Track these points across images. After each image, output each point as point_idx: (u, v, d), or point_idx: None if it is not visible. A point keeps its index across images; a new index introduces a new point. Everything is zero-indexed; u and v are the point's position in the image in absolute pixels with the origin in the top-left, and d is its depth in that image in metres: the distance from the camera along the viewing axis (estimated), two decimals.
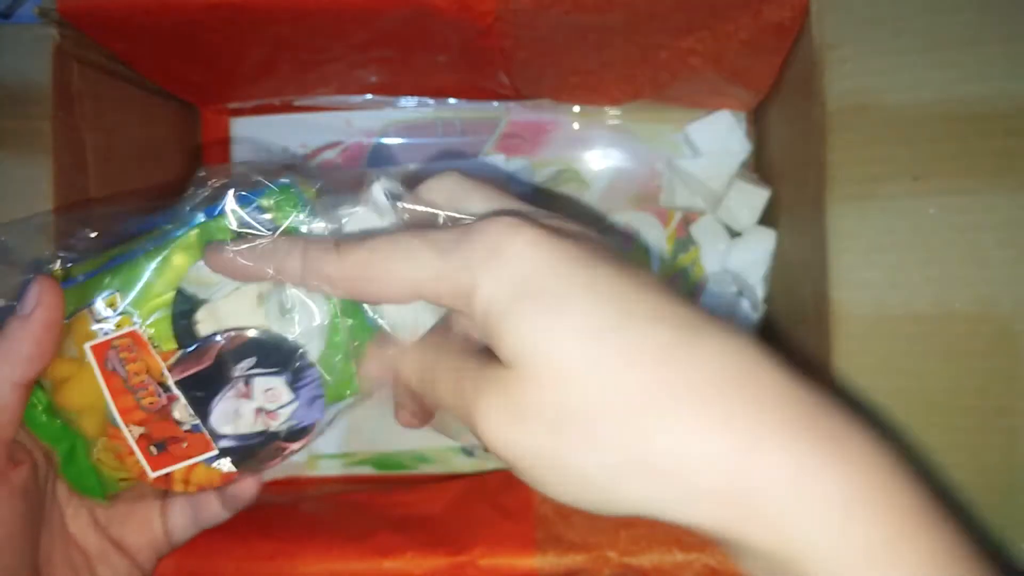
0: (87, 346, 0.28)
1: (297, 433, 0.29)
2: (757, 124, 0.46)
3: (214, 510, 0.32)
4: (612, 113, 0.47)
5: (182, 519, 0.32)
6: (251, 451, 0.29)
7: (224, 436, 0.29)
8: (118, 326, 0.28)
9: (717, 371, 0.20)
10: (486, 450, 0.22)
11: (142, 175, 0.43)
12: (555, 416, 0.20)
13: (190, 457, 0.29)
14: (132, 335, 0.28)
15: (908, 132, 0.30)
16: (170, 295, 0.28)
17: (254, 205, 0.27)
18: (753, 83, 0.40)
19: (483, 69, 0.41)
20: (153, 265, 0.28)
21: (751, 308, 0.43)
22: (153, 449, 0.29)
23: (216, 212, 0.28)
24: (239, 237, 0.27)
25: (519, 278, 0.21)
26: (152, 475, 0.29)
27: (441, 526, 0.37)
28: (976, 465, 0.29)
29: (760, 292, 0.42)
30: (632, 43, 0.37)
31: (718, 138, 0.45)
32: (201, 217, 0.28)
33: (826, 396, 0.20)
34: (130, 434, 0.28)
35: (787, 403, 0.20)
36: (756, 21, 0.34)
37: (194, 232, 0.28)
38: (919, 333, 0.30)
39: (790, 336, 0.40)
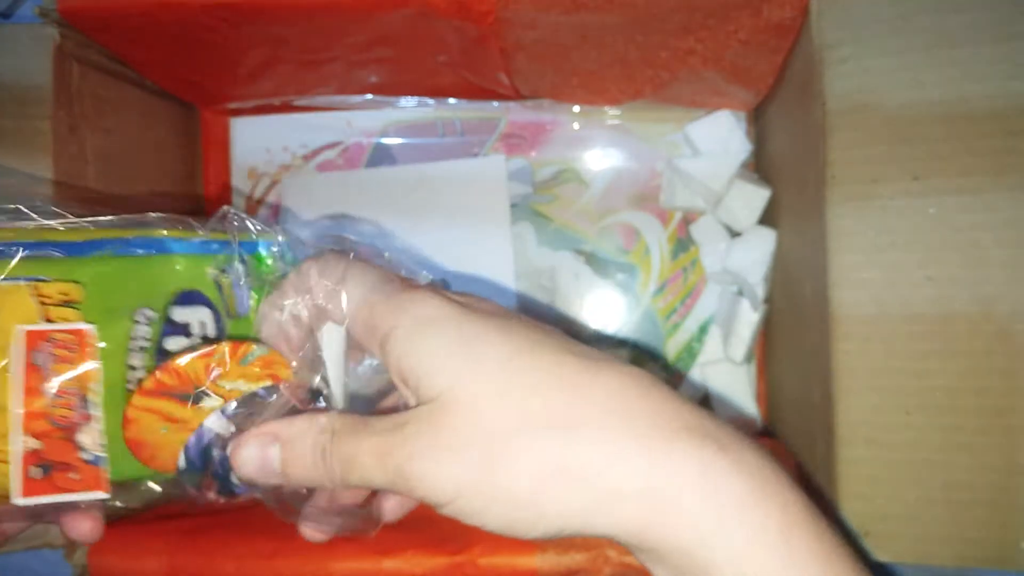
0: (21, 328, 0.23)
1: None
2: (757, 124, 0.46)
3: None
4: (612, 113, 0.47)
5: None
6: None
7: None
8: (63, 318, 0.24)
9: (618, 392, 0.22)
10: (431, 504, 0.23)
11: (142, 175, 0.43)
12: (481, 440, 0.22)
13: (72, 492, 0.24)
14: (78, 334, 0.24)
15: (908, 132, 0.30)
16: (150, 312, 0.26)
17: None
18: (753, 83, 0.40)
19: (483, 69, 0.41)
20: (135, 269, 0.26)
21: (751, 308, 0.43)
22: (36, 471, 0.24)
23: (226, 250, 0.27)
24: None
25: (433, 318, 0.23)
26: (18, 501, 0.24)
27: (441, 525, 0.37)
28: (976, 465, 0.29)
29: (760, 292, 0.42)
30: (632, 43, 0.37)
31: (718, 138, 0.45)
32: (215, 247, 0.27)
33: (714, 416, 0.23)
34: (21, 444, 0.24)
35: (683, 419, 0.22)
36: (756, 21, 0.34)
37: (190, 257, 0.27)
38: (919, 333, 0.30)
39: (790, 336, 0.40)
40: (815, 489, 0.34)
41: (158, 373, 0.25)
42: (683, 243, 0.47)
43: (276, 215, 0.49)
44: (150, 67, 0.42)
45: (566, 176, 0.48)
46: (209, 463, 0.27)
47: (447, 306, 0.24)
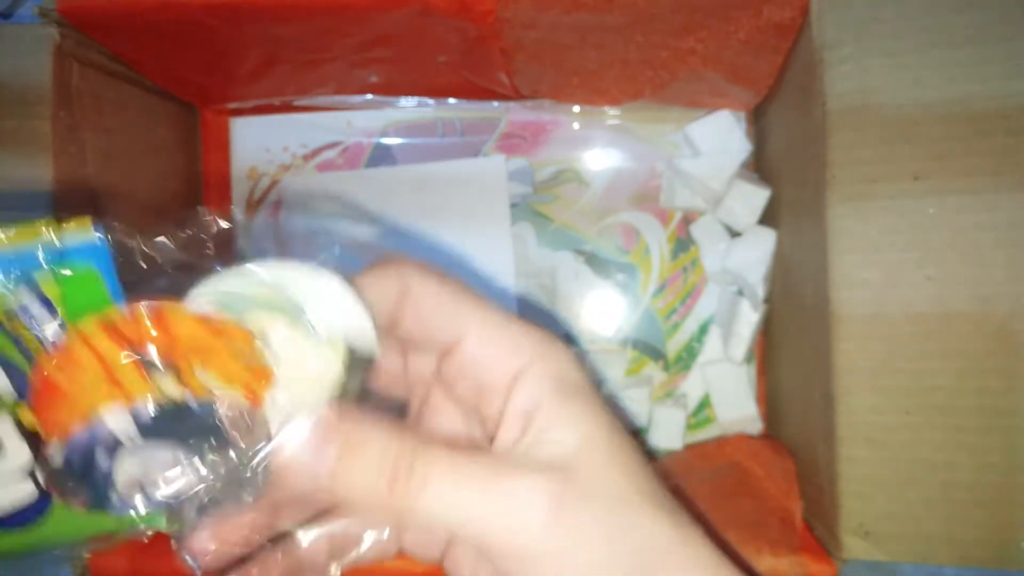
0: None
1: None
2: (757, 124, 0.46)
3: None
4: (612, 113, 0.47)
5: None
6: None
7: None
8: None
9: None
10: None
11: (142, 175, 0.43)
12: (601, 505, 0.21)
13: None
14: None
15: (908, 132, 0.30)
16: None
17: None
18: (753, 83, 0.40)
19: (483, 69, 0.41)
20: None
21: (751, 308, 0.43)
22: None
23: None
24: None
25: (577, 379, 0.23)
26: None
27: None
28: (976, 465, 0.29)
29: (760, 292, 0.42)
30: (632, 43, 0.37)
31: (718, 138, 0.45)
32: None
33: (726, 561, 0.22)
34: None
35: None
36: (756, 21, 0.34)
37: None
38: (919, 333, 0.30)
39: (790, 336, 0.40)
40: (815, 489, 0.34)
41: (143, 304, 0.21)
42: (683, 243, 0.47)
43: (276, 215, 0.49)
44: (150, 67, 0.42)
45: (566, 176, 0.48)
46: (91, 470, 0.21)
47: (584, 372, 0.23)
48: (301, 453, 0.21)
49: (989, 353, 0.29)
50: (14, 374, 0.22)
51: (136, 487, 0.21)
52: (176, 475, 0.21)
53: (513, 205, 0.47)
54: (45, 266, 0.21)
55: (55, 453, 0.21)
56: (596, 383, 0.24)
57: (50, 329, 0.21)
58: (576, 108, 0.47)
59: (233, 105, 0.48)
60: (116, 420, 0.21)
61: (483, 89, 0.44)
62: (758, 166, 0.46)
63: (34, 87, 0.35)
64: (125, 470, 0.21)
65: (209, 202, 0.50)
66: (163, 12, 0.34)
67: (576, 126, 0.48)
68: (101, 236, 0.22)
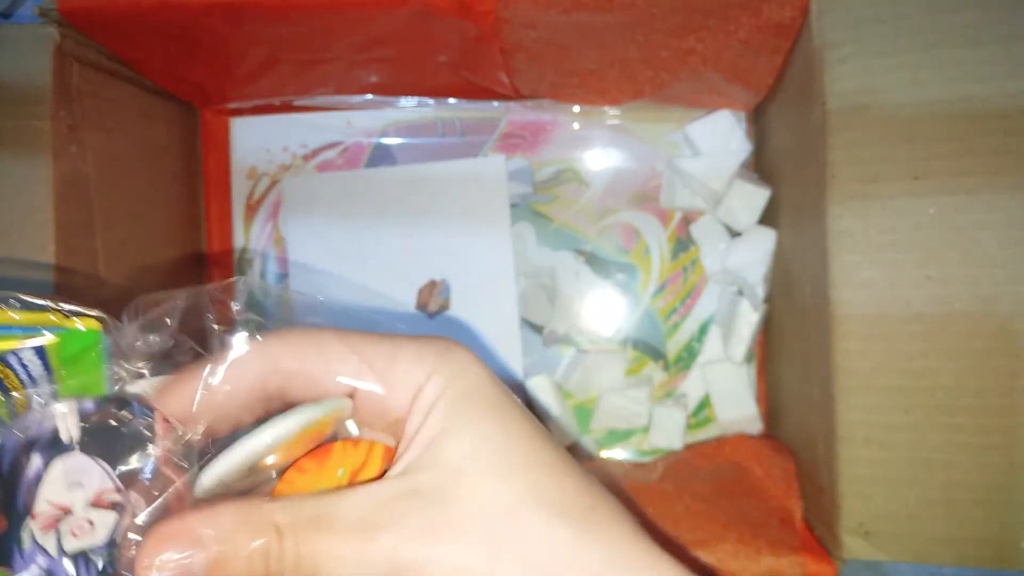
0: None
1: None
2: (757, 124, 0.46)
3: None
4: (612, 113, 0.47)
5: None
6: None
7: None
8: None
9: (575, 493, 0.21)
10: None
11: (142, 175, 0.43)
12: (488, 518, 0.20)
13: None
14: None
15: (908, 132, 0.30)
16: None
17: None
18: (753, 83, 0.40)
19: (483, 69, 0.41)
20: None
21: (751, 308, 0.43)
22: None
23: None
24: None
25: (474, 382, 0.22)
26: None
27: None
28: (976, 465, 0.29)
29: (760, 292, 0.42)
30: (632, 43, 0.37)
31: (718, 138, 0.45)
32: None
33: (647, 558, 0.22)
34: None
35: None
36: (756, 21, 0.34)
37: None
38: (919, 333, 0.30)
39: (790, 336, 0.40)
40: (815, 489, 0.34)
41: None
42: (683, 243, 0.47)
43: (276, 215, 0.49)
44: (150, 67, 0.42)
45: (566, 176, 0.48)
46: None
47: (486, 373, 0.23)
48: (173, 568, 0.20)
49: (989, 353, 0.29)
50: None
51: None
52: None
53: (513, 205, 0.47)
54: (53, 336, 0.22)
55: None
56: (501, 383, 0.23)
57: (44, 391, 0.22)
58: (576, 108, 0.47)
59: (233, 105, 0.48)
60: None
61: (483, 89, 0.44)
62: (758, 166, 0.46)
63: (34, 87, 0.35)
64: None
65: (209, 202, 0.50)
66: (163, 12, 0.34)
67: (576, 126, 0.48)
68: (105, 334, 0.22)
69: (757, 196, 0.43)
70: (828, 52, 0.31)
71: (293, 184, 0.49)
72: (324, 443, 0.23)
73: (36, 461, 0.21)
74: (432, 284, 0.47)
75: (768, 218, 0.43)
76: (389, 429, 0.23)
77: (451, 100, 0.48)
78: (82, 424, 0.21)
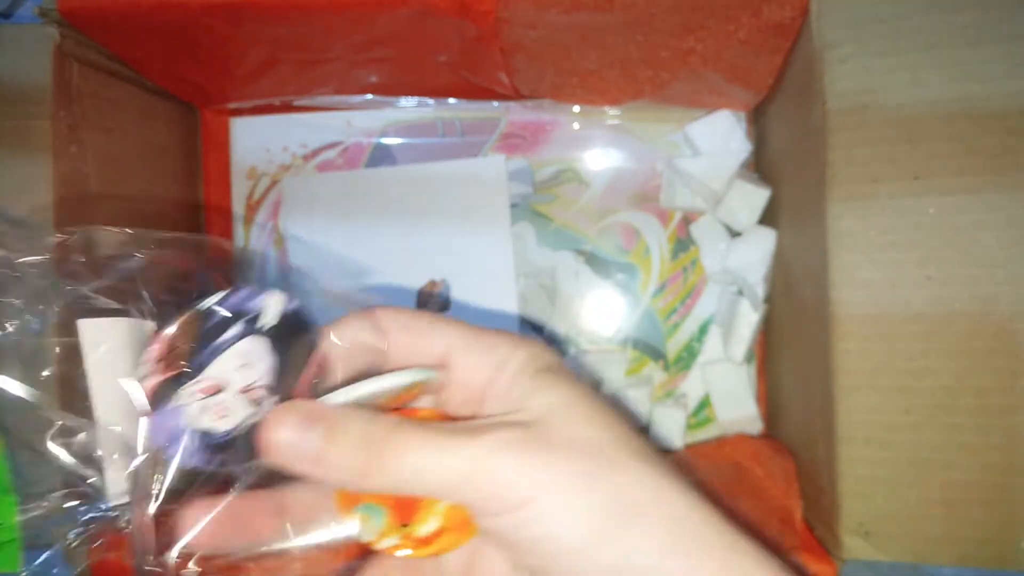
0: None
1: None
2: (757, 124, 0.46)
3: None
4: (612, 113, 0.47)
5: None
6: None
7: None
8: None
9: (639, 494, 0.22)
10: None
11: (142, 175, 0.43)
12: (581, 451, 0.22)
13: None
14: None
15: (908, 132, 0.30)
16: None
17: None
18: (753, 83, 0.40)
19: (483, 69, 0.41)
20: None
21: (751, 308, 0.43)
22: None
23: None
24: None
25: (550, 359, 0.25)
26: None
27: None
28: (976, 465, 0.29)
29: (760, 292, 0.42)
30: (632, 43, 0.37)
31: (718, 138, 0.45)
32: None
33: (717, 512, 0.23)
34: None
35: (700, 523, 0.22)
36: (756, 21, 0.34)
37: None
38: (919, 333, 0.30)
39: (790, 336, 0.40)
40: (815, 489, 0.34)
41: None
42: (683, 243, 0.47)
43: (276, 215, 0.49)
44: (150, 67, 0.42)
45: (566, 176, 0.48)
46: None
47: (558, 356, 0.25)
48: (293, 445, 0.22)
49: (989, 353, 0.29)
50: None
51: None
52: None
53: (513, 205, 0.47)
54: None
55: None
56: (572, 369, 0.25)
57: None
58: (576, 108, 0.47)
59: (233, 105, 0.48)
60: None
61: (483, 89, 0.44)
62: (758, 166, 0.46)
63: (34, 87, 0.35)
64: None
65: (209, 202, 0.50)
66: (163, 12, 0.34)
67: (576, 126, 0.48)
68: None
69: (757, 196, 0.43)
70: (828, 52, 0.31)
71: (293, 184, 0.49)
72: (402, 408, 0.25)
73: (231, 332, 0.23)
74: (432, 284, 0.47)
75: (768, 218, 0.43)
76: (469, 402, 0.25)
77: (451, 100, 0.48)
78: (279, 318, 0.23)
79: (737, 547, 0.22)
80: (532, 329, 0.47)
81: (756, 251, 0.43)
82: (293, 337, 0.23)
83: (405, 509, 0.23)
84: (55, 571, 0.26)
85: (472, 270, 0.47)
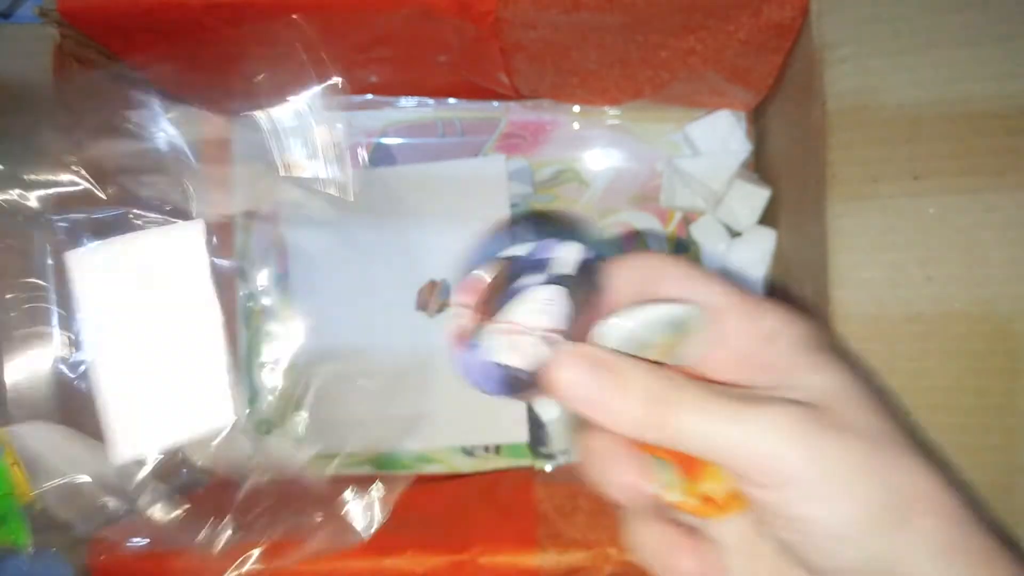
0: None
1: None
2: (757, 124, 0.46)
3: None
4: (612, 113, 0.47)
5: None
6: None
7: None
8: None
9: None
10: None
11: None
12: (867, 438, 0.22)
13: None
14: None
15: (908, 132, 0.30)
16: None
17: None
18: (753, 83, 0.40)
19: (483, 69, 0.41)
20: None
21: None
22: None
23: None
24: None
25: (818, 336, 0.25)
26: None
27: (441, 524, 0.37)
28: (976, 465, 0.29)
29: (760, 292, 0.42)
30: (632, 43, 0.37)
31: (718, 138, 0.45)
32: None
33: (978, 514, 0.23)
34: None
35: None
36: (756, 21, 0.34)
37: None
38: (919, 333, 0.30)
39: None
40: None
41: None
42: (683, 243, 0.47)
43: (276, 215, 0.49)
44: (150, 67, 0.42)
45: (566, 176, 0.48)
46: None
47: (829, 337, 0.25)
48: (583, 387, 0.23)
49: (989, 353, 0.29)
50: None
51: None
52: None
53: (513, 205, 0.47)
54: None
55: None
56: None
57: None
58: (576, 108, 0.47)
59: (233, 105, 0.48)
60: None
61: (483, 89, 0.44)
62: (758, 166, 0.46)
63: (34, 87, 0.35)
64: None
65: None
66: (163, 12, 0.34)
67: (576, 126, 0.48)
68: None
69: (757, 196, 0.43)
70: (828, 52, 0.31)
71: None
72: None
73: (531, 280, 0.24)
74: (432, 284, 0.47)
75: (768, 218, 0.43)
76: (729, 367, 0.24)
77: (451, 100, 0.48)
78: (577, 267, 0.25)
79: (1001, 553, 0.22)
80: None
81: (756, 251, 0.43)
82: (587, 285, 0.25)
83: (691, 467, 0.24)
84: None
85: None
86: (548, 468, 0.45)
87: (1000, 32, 0.30)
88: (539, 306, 0.24)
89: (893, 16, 0.31)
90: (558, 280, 0.24)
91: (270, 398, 0.47)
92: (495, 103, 0.48)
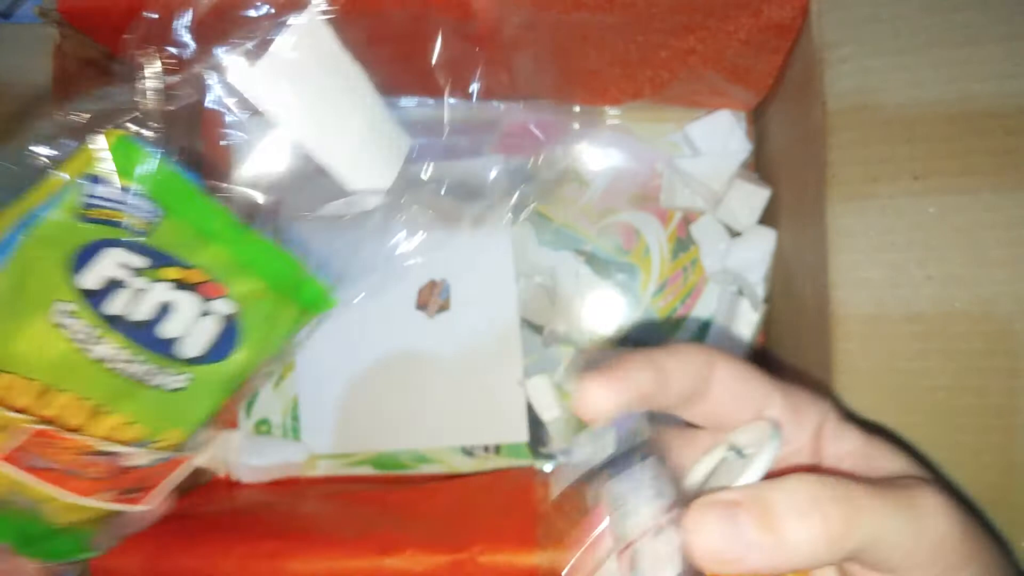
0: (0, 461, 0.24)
1: None
2: (757, 124, 0.46)
3: None
4: (612, 113, 0.47)
5: None
6: None
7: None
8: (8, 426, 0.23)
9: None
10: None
11: None
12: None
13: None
14: (42, 435, 0.24)
15: (908, 132, 0.30)
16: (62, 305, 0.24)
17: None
18: (753, 83, 0.40)
19: (483, 69, 0.41)
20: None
21: (751, 308, 0.43)
22: (131, 494, 0.27)
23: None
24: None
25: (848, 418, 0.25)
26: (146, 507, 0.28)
27: (441, 523, 0.37)
28: (976, 465, 0.29)
29: (760, 292, 0.42)
30: (632, 43, 0.37)
31: (718, 138, 0.45)
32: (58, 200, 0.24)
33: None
34: (104, 503, 0.27)
35: None
36: (756, 21, 0.34)
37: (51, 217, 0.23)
38: (919, 333, 0.30)
39: (790, 336, 0.40)
40: None
41: None
42: (683, 243, 0.47)
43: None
44: None
45: (566, 176, 0.48)
46: None
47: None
48: (724, 536, 0.20)
49: (989, 353, 0.29)
50: (134, 247, 0.24)
51: None
52: None
53: (513, 205, 0.47)
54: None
55: None
56: None
57: (145, 207, 0.24)
58: (576, 108, 0.47)
59: None
60: None
61: (483, 89, 0.44)
62: (758, 166, 0.46)
63: (34, 87, 0.35)
64: None
65: None
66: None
67: (576, 126, 0.48)
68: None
69: (757, 196, 0.43)
70: (828, 52, 0.31)
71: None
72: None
73: (624, 467, 0.22)
74: (432, 284, 0.47)
75: (768, 218, 0.43)
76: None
77: (451, 100, 0.48)
78: (643, 426, 0.23)
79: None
80: (532, 329, 0.47)
81: (756, 251, 0.43)
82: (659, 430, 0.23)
83: None
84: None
85: (472, 270, 0.47)
86: (548, 468, 0.45)
87: (1000, 32, 0.30)
88: (649, 488, 0.21)
89: (893, 16, 0.31)
90: (642, 450, 0.22)
91: (269, 398, 0.47)
92: (495, 103, 0.48)
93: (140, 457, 0.27)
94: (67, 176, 0.24)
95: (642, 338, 0.47)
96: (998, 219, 0.29)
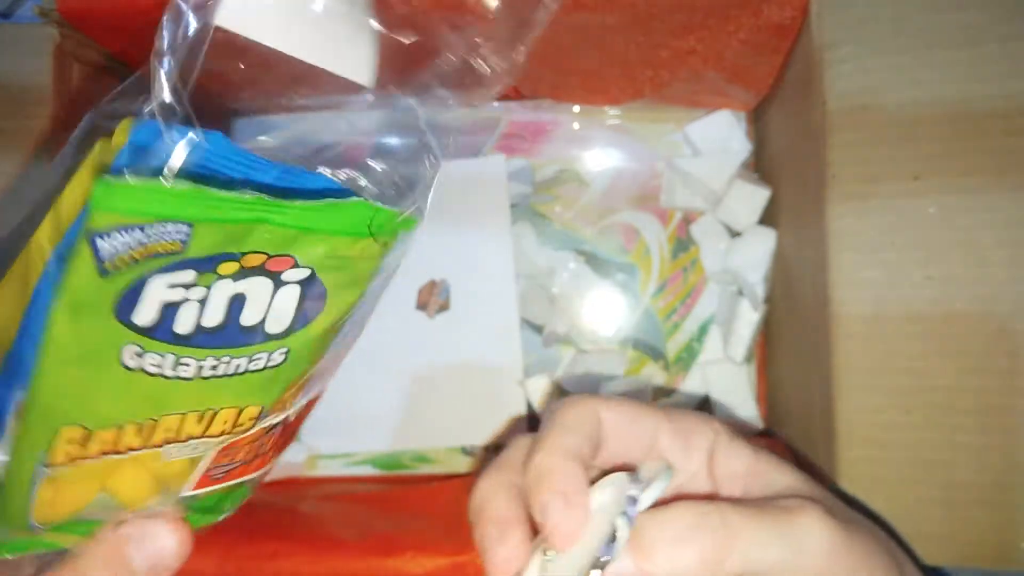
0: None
1: None
2: (757, 124, 0.46)
3: None
4: (612, 113, 0.47)
5: None
6: None
7: None
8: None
9: None
10: None
11: None
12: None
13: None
14: (226, 449, 0.27)
15: (908, 132, 0.30)
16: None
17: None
18: (753, 83, 0.40)
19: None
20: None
21: (751, 308, 0.43)
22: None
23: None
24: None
25: (740, 437, 0.26)
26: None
27: (442, 525, 0.37)
28: (976, 465, 0.29)
29: (760, 292, 0.42)
30: (632, 43, 0.37)
31: (718, 138, 0.45)
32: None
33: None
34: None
35: None
36: (756, 21, 0.34)
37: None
38: (919, 333, 0.30)
39: (790, 336, 0.40)
40: None
41: None
42: (683, 243, 0.47)
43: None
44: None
45: (566, 176, 0.48)
46: None
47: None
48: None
49: (989, 353, 0.29)
50: (175, 267, 0.22)
51: None
52: None
53: (513, 205, 0.47)
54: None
55: None
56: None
57: (168, 230, 0.22)
58: (576, 108, 0.47)
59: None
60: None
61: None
62: (758, 166, 0.46)
63: (34, 87, 0.35)
64: None
65: None
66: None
67: (576, 126, 0.48)
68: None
69: (757, 196, 0.43)
70: (828, 52, 0.31)
71: None
72: None
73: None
74: (432, 284, 0.47)
75: (768, 218, 0.43)
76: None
77: (451, 100, 0.47)
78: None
79: None
80: (532, 329, 0.47)
81: (756, 251, 0.43)
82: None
83: None
84: None
85: (472, 270, 0.47)
86: None
87: (1000, 32, 0.30)
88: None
89: (893, 16, 0.31)
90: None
91: None
92: (495, 103, 0.48)
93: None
94: (54, 245, 0.22)
95: (642, 338, 0.47)
96: (998, 219, 0.29)
